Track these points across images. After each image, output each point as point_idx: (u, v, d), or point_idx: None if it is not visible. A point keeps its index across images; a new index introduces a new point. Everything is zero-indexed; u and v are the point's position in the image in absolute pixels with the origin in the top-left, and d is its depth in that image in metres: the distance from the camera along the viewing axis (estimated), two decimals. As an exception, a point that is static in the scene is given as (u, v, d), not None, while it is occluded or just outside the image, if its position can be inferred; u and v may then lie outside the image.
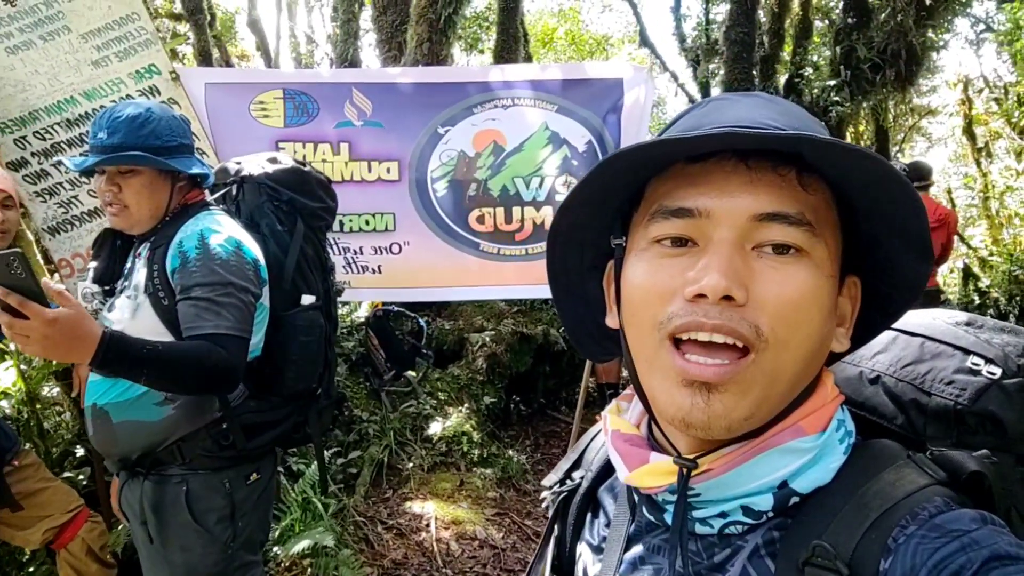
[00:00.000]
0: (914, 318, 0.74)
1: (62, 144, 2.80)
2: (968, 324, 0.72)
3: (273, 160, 2.17)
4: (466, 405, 5.42)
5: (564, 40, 16.10)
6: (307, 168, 2.23)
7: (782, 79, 8.58)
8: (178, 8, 8.90)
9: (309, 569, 3.10)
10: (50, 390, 3.30)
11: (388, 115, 3.02)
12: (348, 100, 3.01)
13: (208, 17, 8.41)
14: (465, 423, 5.17)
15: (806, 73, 8.00)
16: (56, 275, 2.95)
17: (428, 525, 4.11)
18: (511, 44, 6.75)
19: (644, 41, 11.86)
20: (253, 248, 1.94)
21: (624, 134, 3.07)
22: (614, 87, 3.03)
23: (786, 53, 8.88)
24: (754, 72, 8.15)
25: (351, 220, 3.05)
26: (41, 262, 3.12)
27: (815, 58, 8.24)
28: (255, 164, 2.14)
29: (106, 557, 2.53)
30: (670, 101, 18.55)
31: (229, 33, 14.06)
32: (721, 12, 9.69)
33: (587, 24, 17.92)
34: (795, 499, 0.61)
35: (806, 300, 0.59)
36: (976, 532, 0.53)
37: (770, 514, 0.61)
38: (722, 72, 8.52)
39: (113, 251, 2.06)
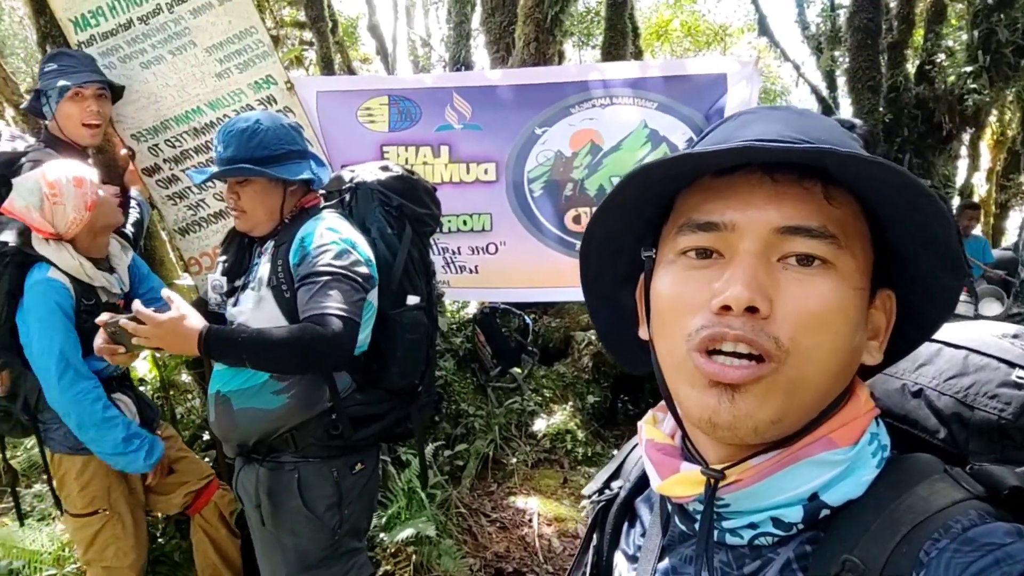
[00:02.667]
0: (961, 331, 0.72)
1: (190, 151, 3.05)
2: (1016, 337, 0.70)
3: (385, 168, 2.31)
4: (570, 403, 5.44)
5: (680, 32, 15.73)
6: (415, 176, 2.35)
7: (911, 67, 8.00)
8: (302, 16, 9.39)
9: (413, 556, 3.22)
10: (181, 377, 3.60)
11: (487, 117, 3.08)
12: (449, 104, 3.09)
13: (330, 24, 8.83)
14: (569, 421, 5.19)
15: (939, 60, 7.43)
16: (187, 272, 3.22)
17: (531, 520, 4.16)
18: (619, 39, 6.67)
19: (763, 30, 11.40)
20: (365, 248, 2.08)
21: (726, 130, 2.98)
22: (717, 82, 2.95)
23: (917, 39, 8.27)
24: (881, 60, 7.65)
25: (449, 221, 3.14)
26: (174, 259, 3.41)
27: (950, 43, 7.62)
28: (368, 172, 2.29)
29: (232, 526, 2.73)
30: (793, 92, 17.74)
31: (351, 38, 14.70)
32: (849, -3, 9.15)
33: (704, 14, 17.42)
34: (825, 512, 0.61)
35: (830, 312, 0.59)
36: (1011, 546, 0.51)
37: (800, 526, 0.61)
38: (846, 61, 8.05)
39: (240, 248, 2.25)
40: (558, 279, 3.17)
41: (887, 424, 0.68)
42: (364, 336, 2.11)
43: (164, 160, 3.04)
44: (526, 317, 5.78)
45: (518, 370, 5.55)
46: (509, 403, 5.22)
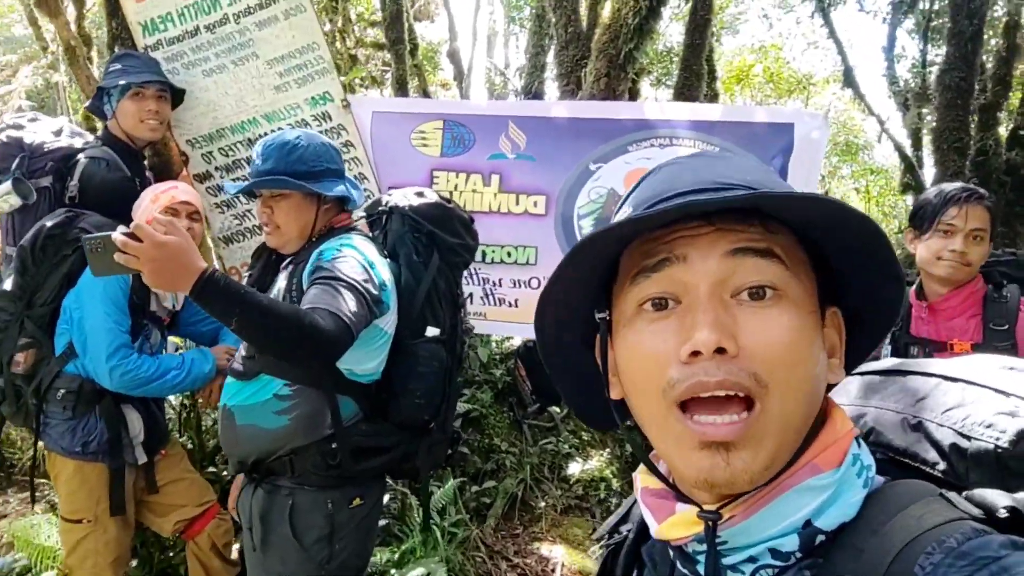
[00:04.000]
0: (960, 365, 0.72)
1: (242, 161, 3.05)
2: (1012, 368, 0.69)
3: (420, 194, 2.26)
4: (608, 449, 5.25)
5: (761, 78, 15.48)
6: (451, 205, 2.29)
7: (1004, 131, 7.59)
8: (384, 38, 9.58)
9: (424, 596, 3.09)
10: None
11: (541, 149, 2.99)
12: (504, 133, 3.02)
13: (408, 47, 8.97)
14: (606, 468, 5.00)
15: (1035, 125, 7.04)
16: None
17: (554, 571, 3.99)
18: (693, 80, 6.55)
19: (848, 81, 11.09)
20: (383, 272, 2.01)
21: (791, 179, 2.82)
22: (783, 131, 2.79)
23: (1013, 103, 7.87)
24: (971, 121, 7.28)
25: (493, 251, 3.05)
26: (217, 267, 3.42)
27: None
28: (403, 197, 2.24)
29: (229, 555, 2.65)
30: (876, 148, 17.22)
31: (432, 63, 14.99)
32: (942, 54, 8.82)
33: (789, 61, 17.12)
34: (821, 537, 0.61)
35: (793, 339, 0.61)
36: (1007, 559, 0.50)
37: (798, 554, 0.61)
38: (933, 119, 7.70)
39: (267, 265, 2.23)
40: (600, 320, 3.03)
41: (888, 459, 0.69)
42: (376, 364, 2.04)
43: (216, 168, 3.05)
44: (570, 355, 5.63)
45: (557, 409, 5.39)
46: (544, 443, 5.07)
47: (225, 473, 3.02)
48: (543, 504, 4.58)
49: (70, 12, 5.14)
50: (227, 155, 3.04)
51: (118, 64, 2.71)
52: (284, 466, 1.98)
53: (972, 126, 7.49)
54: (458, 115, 3.09)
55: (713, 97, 7.86)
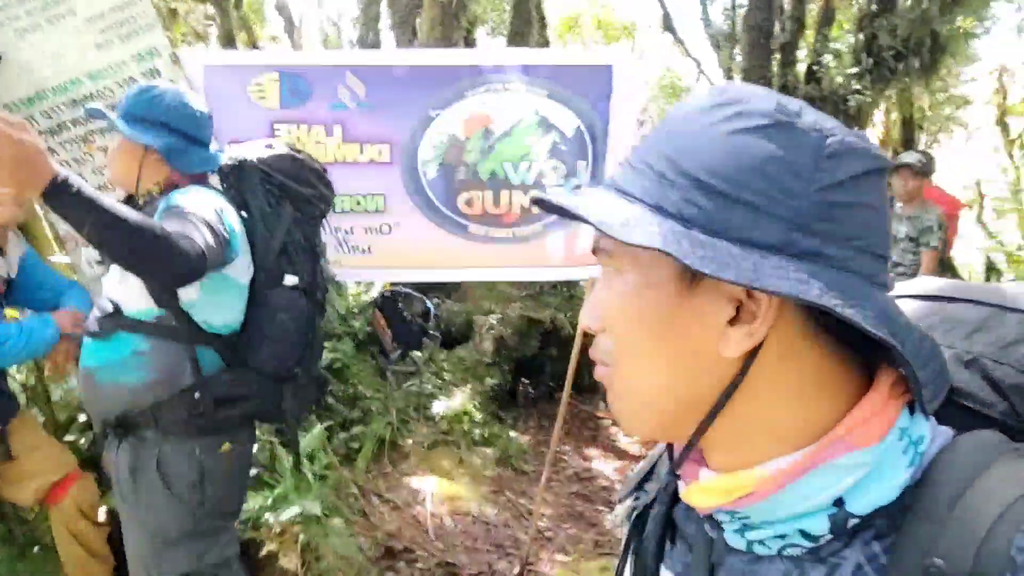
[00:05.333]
0: (1011, 292, 0.67)
1: (67, 123, 2.91)
2: None
3: (268, 146, 2.27)
4: (470, 386, 5.52)
5: (591, 26, 16.03)
6: (302, 156, 2.32)
7: (802, 67, 8.45)
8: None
9: (300, 536, 3.21)
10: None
11: (381, 97, 3.08)
12: (342, 82, 3.07)
13: (232, 0, 8.54)
14: (468, 403, 5.26)
15: (827, 61, 7.88)
16: (62, 250, 3.08)
17: (424, 500, 4.22)
18: (524, 28, 6.76)
19: (668, 26, 11.76)
20: (232, 219, 2.05)
21: (613, 121, 3.10)
22: (603, 73, 3.05)
23: (809, 41, 8.75)
24: (773, 59, 8.04)
25: (342, 201, 3.13)
26: (49, 235, 3.25)
27: (838, 46, 8.11)
28: (251, 150, 2.25)
29: (95, 517, 2.65)
30: (695, 88, 18.33)
31: (258, 16, 14.22)
32: (749, -2, 9.54)
33: (614, 9, 17.78)
34: (854, 521, 0.56)
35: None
36: None
37: (828, 536, 0.57)
38: (741, 59, 8.42)
39: None
40: (451, 260, 3.22)
41: (947, 402, 0.60)
42: (234, 315, 2.10)
43: (40, 132, 2.89)
44: (428, 301, 5.80)
45: (419, 354, 5.58)
46: (408, 386, 5.25)
47: (83, 441, 2.96)
48: (411, 442, 4.78)
49: None
50: (50, 117, 2.89)
51: None
52: (148, 419, 2.01)
53: (775, 64, 8.26)
54: (295, 66, 3.10)
55: (544, 44, 8.12)
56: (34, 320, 2.36)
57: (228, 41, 8.27)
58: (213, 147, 2.24)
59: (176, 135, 2.10)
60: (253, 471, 3.30)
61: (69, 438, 2.99)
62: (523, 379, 6.28)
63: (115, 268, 2.06)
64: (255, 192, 2.18)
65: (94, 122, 2.82)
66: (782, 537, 0.59)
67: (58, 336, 2.38)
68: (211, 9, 9.21)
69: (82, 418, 3.20)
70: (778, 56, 8.31)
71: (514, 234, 3.19)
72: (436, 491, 4.32)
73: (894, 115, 11.65)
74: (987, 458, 0.54)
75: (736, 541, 0.62)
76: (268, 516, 3.19)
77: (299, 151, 2.34)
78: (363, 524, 3.80)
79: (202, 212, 1.92)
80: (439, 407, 5.15)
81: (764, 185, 0.53)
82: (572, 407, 5.95)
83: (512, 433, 5.43)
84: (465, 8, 5.56)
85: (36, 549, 2.80)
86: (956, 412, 0.61)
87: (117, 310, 2.01)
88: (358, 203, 3.17)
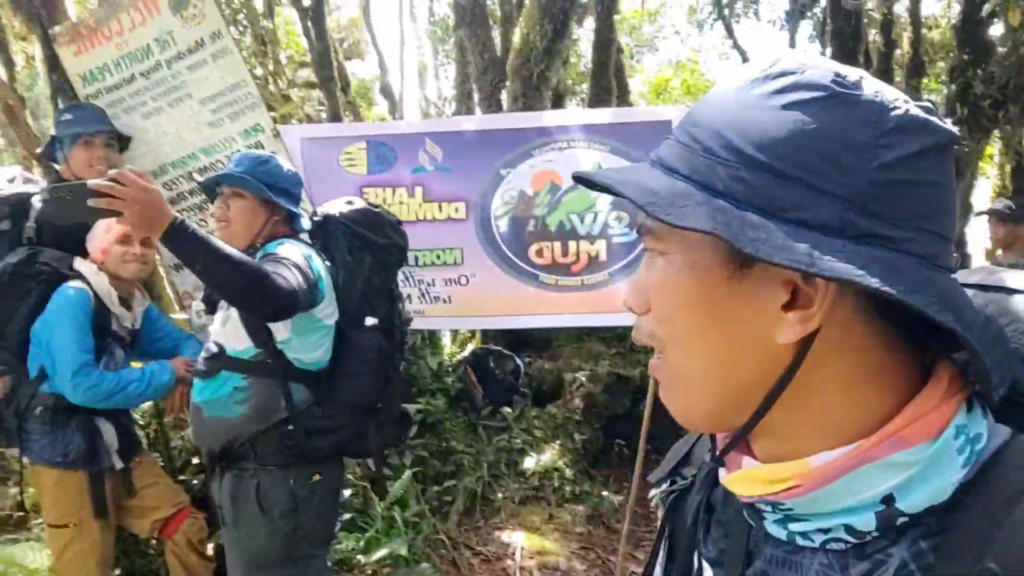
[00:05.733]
0: None
1: (184, 193, 3.34)
2: None
3: (349, 203, 2.52)
4: (560, 443, 5.54)
5: (679, 90, 16.25)
6: (378, 209, 2.55)
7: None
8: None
9: (391, 577, 3.34)
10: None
11: (456, 160, 3.35)
12: (422, 148, 3.37)
13: (339, 84, 9.30)
14: (558, 459, 5.27)
15: (915, 115, 7.61)
16: (180, 306, 3.47)
17: (514, 553, 4.24)
18: (604, 96, 7.02)
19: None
20: (319, 265, 2.28)
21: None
22: (662, 128, 3.20)
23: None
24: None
25: (424, 255, 3.38)
26: (171, 293, 3.66)
27: (929, 98, 7.89)
28: (334, 207, 2.50)
29: (204, 551, 2.88)
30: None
31: (366, 99, 15.32)
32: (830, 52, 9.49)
33: (704, 73, 17.97)
34: (903, 519, 0.53)
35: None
36: None
37: (875, 534, 0.54)
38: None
39: None
40: (525, 307, 3.40)
41: (1004, 399, 0.55)
42: (321, 353, 2.31)
43: (162, 202, 3.32)
44: (518, 359, 5.94)
45: (509, 410, 5.68)
46: (498, 441, 5.33)
47: (195, 482, 3.24)
48: (502, 497, 4.83)
49: (1, 73, 5.34)
50: (171, 189, 3.32)
51: (69, 115, 2.98)
52: (247, 451, 2.23)
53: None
54: (380, 135, 3.43)
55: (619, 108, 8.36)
56: (154, 366, 2.67)
57: (336, 122, 8.95)
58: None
59: (292, 200, 2.41)
60: (347, 516, 3.51)
61: (183, 478, 3.28)
62: (618, 439, 6.23)
63: (218, 314, 2.33)
64: (338, 244, 2.43)
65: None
66: (826, 531, 0.56)
67: (174, 380, 2.68)
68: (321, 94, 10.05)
69: (195, 461, 3.51)
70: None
71: (582, 282, 3.34)
72: (525, 545, 4.34)
73: (1007, 165, 11.09)
74: None
75: (777, 531, 0.60)
76: (360, 558, 3.34)
77: (376, 206, 2.58)
78: (453, 574, 3.87)
79: (294, 258, 2.16)
80: (530, 463, 5.20)
81: (819, 162, 0.50)
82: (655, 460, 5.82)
83: (604, 492, 5.38)
84: (547, 80, 5.85)
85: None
86: (1016, 410, 0.57)
87: (221, 351, 2.26)
88: (438, 257, 3.41)
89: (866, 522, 0.54)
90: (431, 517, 4.14)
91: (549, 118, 3.41)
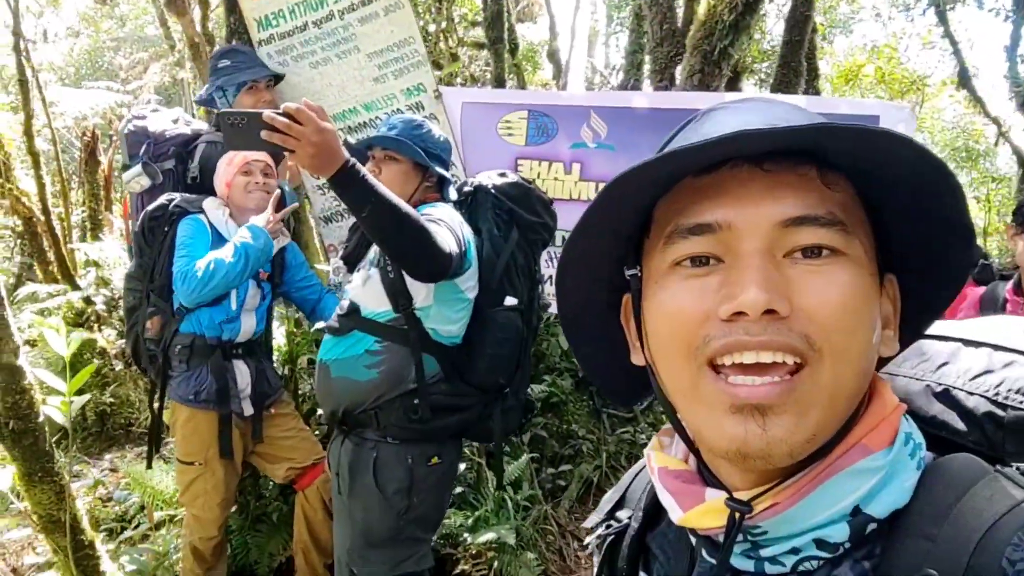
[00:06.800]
0: (977, 327, 0.67)
1: (347, 142, 3.31)
2: None
3: (502, 175, 2.40)
4: (686, 443, 5.26)
5: (872, 78, 14.84)
6: (530, 185, 2.43)
7: None
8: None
9: (494, 562, 3.25)
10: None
11: (621, 138, 3.10)
12: (586, 122, 3.15)
13: (508, 47, 9.18)
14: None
15: None
16: (327, 257, 3.48)
17: (624, 554, 4.06)
18: (791, 78, 6.43)
19: (964, 82, 10.52)
20: (469, 234, 2.18)
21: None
22: (868, 123, 2.78)
23: None
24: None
25: (573, 237, 3.18)
26: (318, 244, 3.70)
27: None
28: (486, 177, 2.40)
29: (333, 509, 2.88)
30: (1000, 155, 16.18)
31: (532, 63, 15.19)
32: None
33: (904, 61, 16.31)
34: (872, 526, 0.55)
35: (854, 302, 0.54)
36: None
37: (847, 545, 0.55)
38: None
39: (363, 236, 2.41)
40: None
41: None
42: (458, 328, 2.21)
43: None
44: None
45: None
46: (622, 431, 5.14)
47: (317, 433, 3.28)
48: (617, 491, 4.65)
49: (195, 12, 5.62)
50: (330, 142, 3.31)
51: (227, 60, 3.01)
52: (370, 418, 2.16)
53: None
54: (543, 105, 3.24)
55: (814, 96, 7.67)
56: (243, 232, 2.57)
57: (499, 85, 8.87)
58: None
59: (443, 166, 2.32)
60: (458, 489, 3.44)
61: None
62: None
63: (359, 273, 2.27)
64: (486, 216, 2.31)
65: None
66: (796, 552, 0.57)
67: (271, 243, 2.62)
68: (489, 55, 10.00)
69: (320, 411, 3.56)
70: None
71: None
72: (637, 546, 4.14)
73: None
74: (972, 477, 0.54)
75: (743, 563, 0.59)
76: (466, 536, 3.27)
77: (529, 181, 2.44)
78: (558, 565, 3.75)
79: (449, 221, 2.07)
80: (651, 459, 4.96)
81: None
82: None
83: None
84: (728, 57, 5.41)
85: (265, 525, 3.13)
86: (930, 443, 0.60)
87: (356, 310, 2.20)
88: (587, 240, 3.19)
89: (840, 532, 0.55)
90: (543, 503, 4.02)
91: (729, 98, 3.06)
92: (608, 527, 0.77)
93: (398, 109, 3.22)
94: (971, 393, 0.61)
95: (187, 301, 2.55)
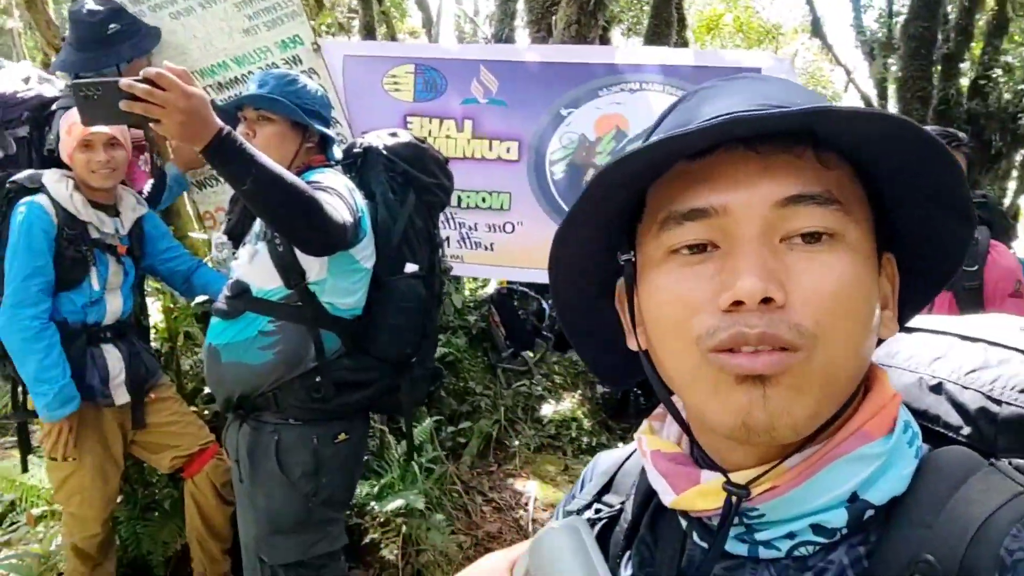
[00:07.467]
0: (972, 324, 0.68)
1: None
2: None
3: (393, 134, 2.29)
4: (580, 391, 5.42)
5: (731, 27, 15.45)
6: (425, 145, 2.32)
7: (966, 80, 7.74)
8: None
9: (403, 528, 3.23)
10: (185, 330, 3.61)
11: (512, 94, 3.03)
12: (476, 77, 3.05)
13: (377, -6, 8.81)
14: (577, 409, 5.17)
15: (996, 75, 7.16)
16: (202, 225, 3.23)
17: (527, 504, 4.15)
18: (663, 28, 6.55)
19: (816, 31, 11.14)
20: (361, 201, 2.06)
21: (758, 125, 2.90)
22: (751, 74, 2.86)
23: (975, 53, 7.99)
24: (934, 71, 7.40)
25: (468, 196, 3.10)
26: (190, 212, 3.43)
27: (1009, 59, 7.36)
28: (377, 137, 2.27)
29: (227, 495, 2.69)
30: (843, 97, 17.33)
31: (400, 10, 14.68)
32: (907, 4, 8.88)
33: (758, 11, 17.06)
34: (870, 512, 0.55)
35: (850, 288, 0.54)
36: None
37: (844, 531, 0.56)
38: (898, 69, 7.83)
39: (245, 207, 2.23)
40: (572, 264, 3.14)
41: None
42: (356, 299, 2.10)
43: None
44: (544, 301, 5.74)
45: (530, 354, 5.53)
46: (518, 385, 5.21)
47: (207, 413, 3.09)
48: (517, 443, 4.73)
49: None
50: (198, 99, 3.04)
51: (116, 25, 2.68)
52: (269, 401, 2.04)
53: (935, 76, 7.62)
54: (430, 59, 3.11)
55: (683, 45, 7.85)
56: (70, 388, 2.32)
57: (368, 33, 8.53)
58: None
59: (323, 123, 2.17)
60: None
61: (193, 409, 3.12)
62: (635, 389, 6.10)
63: (244, 249, 2.11)
64: (379, 179, 2.19)
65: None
66: (792, 536, 0.57)
67: (63, 418, 2.34)
68: (355, 2, 9.55)
69: (207, 390, 3.35)
70: (939, 68, 7.65)
71: (639, 240, 3.07)
72: (539, 496, 4.25)
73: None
74: (968, 468, 0.55)
75: (737, 547, 0.59)
76: (374, 505, 3.22)
77: (422, 140, 2.33)
78: (464, 522, 3.77)
79: (338, 189, 1.94)
80: (547, 410, 5.09)
81: None
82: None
83: (621, 444, 5.28)
84: (604, 6, 5.43)
85: (156, 513, 2.94)
86: (922, 435, 0.61)
87: (246, 290, 2.05)
88: (483, 200, 3.13)
89: (838, 518, 0.55)
90: (445, 462, 4.02)
91: (623, 54, 3.05)
92: (598, 511, 0.76)
93: (273, 63, 2.99)
94: (966, 388, 0.62)
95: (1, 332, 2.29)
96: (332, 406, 2.06)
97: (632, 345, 0.66)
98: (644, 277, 0.61)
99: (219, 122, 1.61)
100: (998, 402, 0.60)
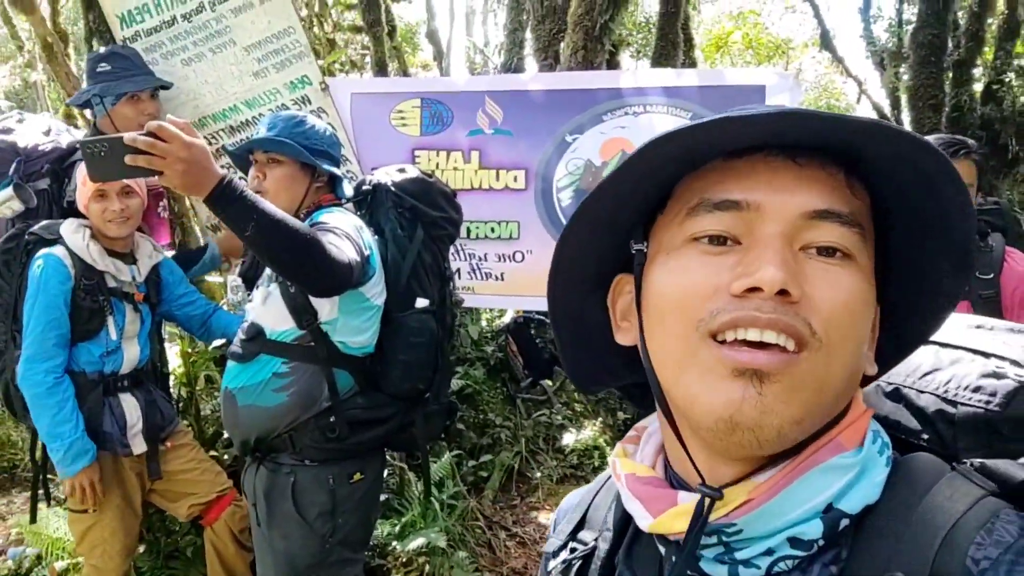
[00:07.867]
0: None
1: (226, 148, 3.08)
2: (980, 326, 0.66)
3: (401, 170, 2.30)
4: (601, 419, 5.34)
5: (740, 44, 15.47)
6: (432, 179, 2.33)
7: (979, 86, 7.65)
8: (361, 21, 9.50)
9: (426, 567, 3.17)
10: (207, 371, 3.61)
11: (517, 123, 3.03)
12: (481, 108, 3.06)
13: (387, 29, 8.91)
14: (599, 437, 5.09)
15: (1008, 79, 7.07)
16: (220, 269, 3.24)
17: (551, 537, 4.07)
18: (670, 50, 6.55)
19: (826, 44, 11.11)
20: (369, 239, 2.07)
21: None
22: (754, 94, 2.84)
23: (987, 58, 7.91)
24: (945, 78, 7.33)
25: (477, 227, 3.10)
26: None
27: (1021, 62, 7.28)
28: (385, 174, 2.29)
29: (246, 541, 2.66)
30: (856, 109, 17.23)
31: (411, 44, 14.88)
32: (916, 13, 8.83)
33: (768, 27, 17.09)
34: (845, 521, 0.55)
35: (857, 306, 0.55)
36: None
37: (821, 542, 0.55)
38: (909, 78, 7.76)
39: None
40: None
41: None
42: (368, 337, 2.10)
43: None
44: (561, 328, 5.68)
45: (549, 383, 5.47)
46: (538, 415, 5.15)
47: (226, 457, 3.07)
48: (539, 475, 4.66)
49: (44, 9, 5.11)
50: (210, 143, 3.07)
51: (107, 64, 2.71)
52: (285, 443, 2.04)
53: (947, 83, 7.55)
54: (435, 92, 3.12)
55: (691, 65, 7.85)
56: (85, 443, 2.31)
57: (381, 69, 8.61)
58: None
59: (332, 163, 2.19)
60: (382, 496, 3.32)
61: (213, 454, 3.11)
62: (657, 414, 6.01)
63: (258, 291, 2.12)
64: (388, 216, 2.20)
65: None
66: (770, 553, 0.56)
67: (79, 474, 2.32)
68: (368, 39, 9.69)
69: (227, 434, 3.34)
70: (951, 75, 7.57)
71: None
72: (564, 528, 4.17)
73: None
74: (934, 475, 0.55)
75: (717, 569, 0.58)
76: (395, 544, 3.17)
77: (430, 175, 2.34)
78: (489, 558, 3.70)
79: (345, 228, 1.94)
80: (568, 439, 5.01)
81: None
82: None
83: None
84: (609, 31, 5.44)
85: (178, 562, 2.92)
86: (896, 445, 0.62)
87: (260, 332, 2.05)
88: (492, 230, 3.13)
89: (814, 529, 0.55)
90: (467, 497, 3.96)
91: (624, 78, 3.04)
92: (573, 551, 0.74)
93: (283, 104, 3.02)
94: (921, 391, 0.63)
95: (19, 383, 2.30)
96: (347, 445, 2.05)
97: (623, 340, 0.67)
98: (655, 263, 0.61)
99: (220, 171, 1.64)
100: (953, 403, 0.60)
